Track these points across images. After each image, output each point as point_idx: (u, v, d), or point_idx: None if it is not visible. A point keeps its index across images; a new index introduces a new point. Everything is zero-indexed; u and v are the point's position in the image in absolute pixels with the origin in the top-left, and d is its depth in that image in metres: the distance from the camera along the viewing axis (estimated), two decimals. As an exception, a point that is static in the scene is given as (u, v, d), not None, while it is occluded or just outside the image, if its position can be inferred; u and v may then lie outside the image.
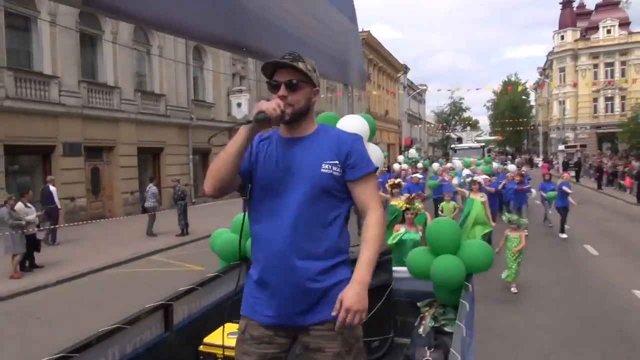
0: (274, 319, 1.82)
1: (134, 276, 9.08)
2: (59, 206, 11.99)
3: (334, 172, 1.81)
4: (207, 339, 2.81)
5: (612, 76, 48.06)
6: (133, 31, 17.31)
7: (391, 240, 5.87)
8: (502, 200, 12.69)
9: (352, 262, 1.82)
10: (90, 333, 2.22)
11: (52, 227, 11.28)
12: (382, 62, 49.28)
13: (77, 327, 5.66)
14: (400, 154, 49.74)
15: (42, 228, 9.61)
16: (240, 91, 23.63)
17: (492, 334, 5.21)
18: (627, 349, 4.91)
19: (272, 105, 1.72)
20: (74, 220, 13.43)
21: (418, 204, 6.74)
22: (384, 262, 3.09)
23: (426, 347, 2.88)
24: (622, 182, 22.73)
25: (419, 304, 3.19)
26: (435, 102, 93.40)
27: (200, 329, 2.88)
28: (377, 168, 1.93)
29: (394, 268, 3.26)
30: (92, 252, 10.63)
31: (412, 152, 29.59)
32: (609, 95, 48.53)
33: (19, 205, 8.84)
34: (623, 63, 48.10)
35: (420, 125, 69.97)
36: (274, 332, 1.84)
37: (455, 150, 34.68)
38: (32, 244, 9.06)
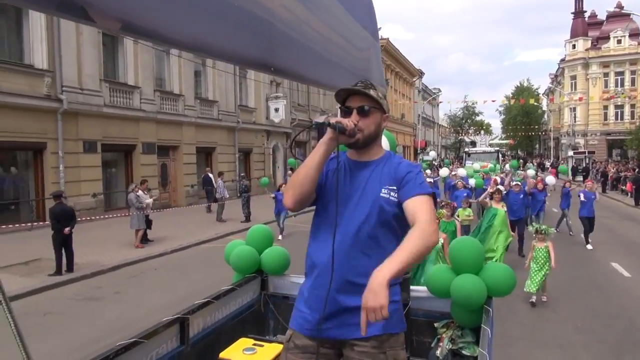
0: (315, 332, 1.85)
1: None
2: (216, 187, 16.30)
3: (391, 197, 1.86)
4: (223, 354, 2.76)
5: (622, 85, 49.79)
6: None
7: None
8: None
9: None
10: (221, 283, 2.85)
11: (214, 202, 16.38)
12: (398, 67, 51.58)
13: (209, 278, 8.11)
14: (415, 156, 52.15)
15: (153, 210, 12.20)
16: (277, 97, 26.25)
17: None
18: (599, 293, 7.40)
19: (347, 119, 1.87)
20: (151, 208, 16.03)
21: (443, 211, 7.18)
22: (401, 281, 3.02)
23: None
24: (623, 187, 24.97)
25: (436, 324, 3.14)
26: (447, 105, 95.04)
27: (216, 343, 2.88)
28: (434, 193, 1.90)
29: (412, 287, 3.23)
30: (183, 232, 13.25)
31: (432, 153, 31.65)
32: (619, 103, 50.29)
33: (140, 192, 11.45)
34: (633, 72, 49.81)
35: (434, 129, 72.18)
36: (318, 343, 1.87)
37: (469, 154, 33.68)
38: (147, 222, 11.67)
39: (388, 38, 45.88)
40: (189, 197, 19.43)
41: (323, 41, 2.56)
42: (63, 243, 8.71)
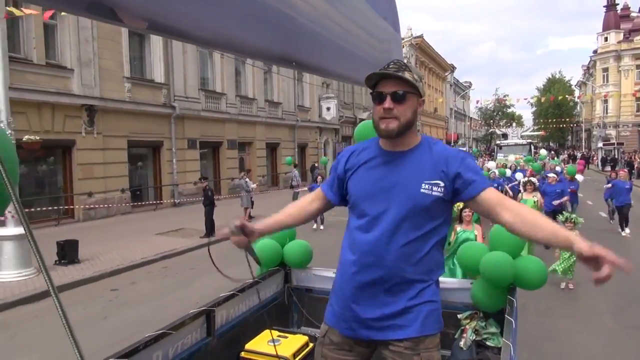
0: (351, 331, 1.83)
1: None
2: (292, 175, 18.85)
3: (434, 193, 1.73)
4: (248, 346, 2.83)
5: (655, 77, 50.74)
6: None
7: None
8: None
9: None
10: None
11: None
12: (432, 63, 54.08)
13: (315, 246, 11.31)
14: (449, 148, 54.43)
15: (253, 192, 15.64)
16: (328, 97, 29.46)
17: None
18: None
19: (237, 220, 1.87)
20: (234, 193, 19.51)
21: None
22: None
23: None
24: (648, 175, 27.23)
25: (459, 315, 3.13)
26: (477, 96, 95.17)
27: (241, 335, 2.96)
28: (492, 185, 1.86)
29: None
30: (275, 212, 16.54)
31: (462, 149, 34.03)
32: (651, 95, 51.19)
33: (247, 179, 14.85)
34: (666, 64, 50.73)
35: (465, 122, 74.07)
36: (354, 341, 1.85)
37: (500, 147, 33.22)
38: (251, 203, 15.06)
39: (422, 35, 48.35)
40: (261, 185, 22.86)
41: (344, 34, 2.52)
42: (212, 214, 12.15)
